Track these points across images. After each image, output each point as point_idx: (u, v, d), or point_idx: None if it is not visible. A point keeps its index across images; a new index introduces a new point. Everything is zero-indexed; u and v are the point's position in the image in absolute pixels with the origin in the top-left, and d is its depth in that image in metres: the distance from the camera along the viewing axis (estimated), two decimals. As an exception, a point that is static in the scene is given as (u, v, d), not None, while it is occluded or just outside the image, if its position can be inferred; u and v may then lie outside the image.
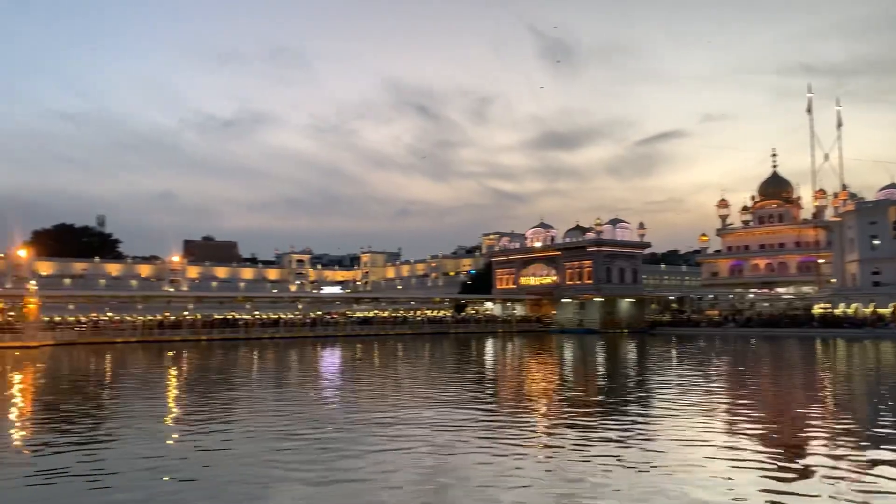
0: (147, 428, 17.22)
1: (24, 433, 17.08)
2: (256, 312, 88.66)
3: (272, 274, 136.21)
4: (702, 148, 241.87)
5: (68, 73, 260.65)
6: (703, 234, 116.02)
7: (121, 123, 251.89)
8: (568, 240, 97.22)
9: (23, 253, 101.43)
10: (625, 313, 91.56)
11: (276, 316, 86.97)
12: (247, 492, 10.81)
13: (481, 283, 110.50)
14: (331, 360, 43.55)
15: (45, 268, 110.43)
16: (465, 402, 21.44)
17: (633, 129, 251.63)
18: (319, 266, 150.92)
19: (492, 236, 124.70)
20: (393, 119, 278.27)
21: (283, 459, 12.87)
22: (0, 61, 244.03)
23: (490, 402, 22.12)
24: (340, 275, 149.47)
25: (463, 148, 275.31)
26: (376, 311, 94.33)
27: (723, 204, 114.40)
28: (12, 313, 68.45)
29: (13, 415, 20.50)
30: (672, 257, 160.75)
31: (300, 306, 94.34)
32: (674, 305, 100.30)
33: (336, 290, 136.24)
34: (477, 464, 12.47)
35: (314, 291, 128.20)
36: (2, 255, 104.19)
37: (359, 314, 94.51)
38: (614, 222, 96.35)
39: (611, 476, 11.51)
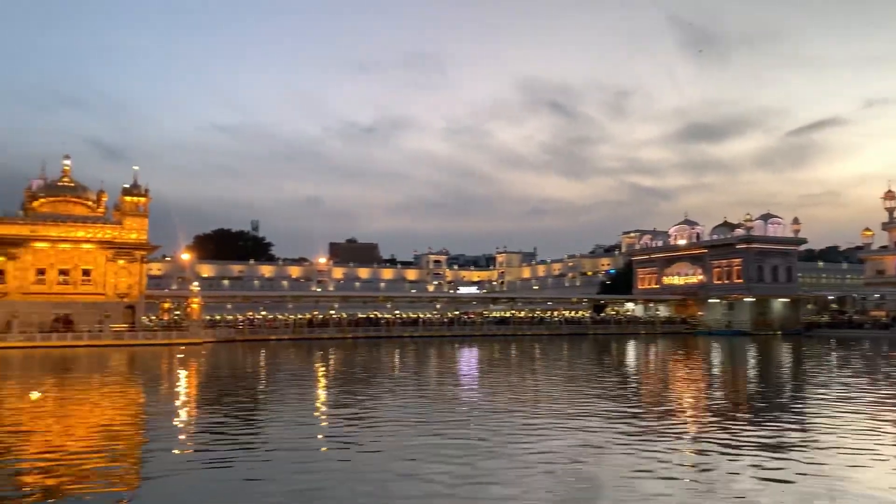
0: (298, 421, 18.36)
1: (190, 422, 18.73)
2: (397, 311, 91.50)
3: (411, 274, 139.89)
4: (863, 136, 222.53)
5: (225, 89, 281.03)
6: (867, 229, 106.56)
7: (272, 134, 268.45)
8: (715, 237, 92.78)
9: (186, 256, 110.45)
10: (778, 314, 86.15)
11: (415, 315, 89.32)
12: (390, 486, 11.31)
13: (621, 283, 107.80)
14: (469, 358, 44.24)
15: (206, 270, 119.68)
16: (606, 406, 21.13)
17: (784, 119, 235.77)
18: (456, 266, 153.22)
19: (632, 234, 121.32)
20: (526, 118, 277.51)
21: (424, 457, 13.31)
22: (167, 81, 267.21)
23: (633, 407, 21.66)
24: (476, 275, 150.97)
25: (600, 144, 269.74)
26: (513, 312, 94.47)
27: (890, 195, 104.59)
28: (178, 312, 74.87)
29: (181, 404, 22.53)
30: (831, 254, 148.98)
31: (438, 306, 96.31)
32: (833, 306, 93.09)
33: (472, 290, 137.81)
34: (619, 476, 12.32)
35: (451, 291, 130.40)
36: (168, 258, 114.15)
37: (495, 314, 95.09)
38: (766, 218, 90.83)
39: (764, 493, 11.01)
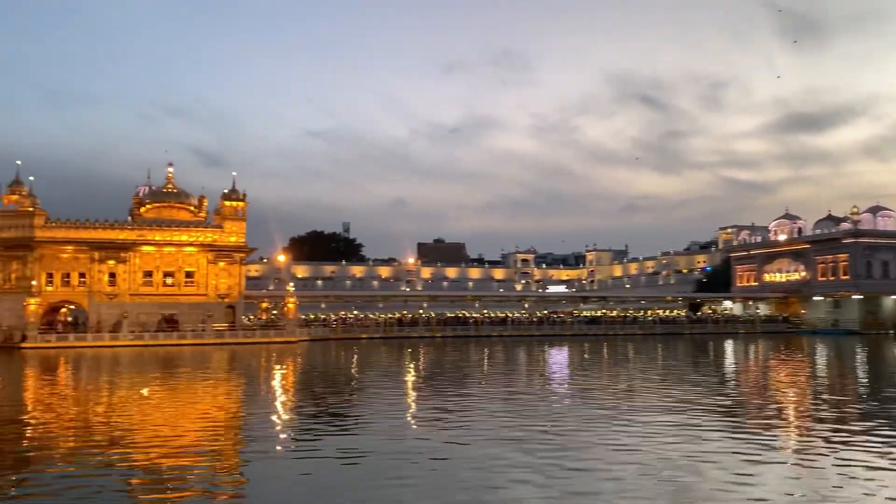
0: (391, 416, 18.64)
1: (288, 417, 19.33)
2: (485, 311, 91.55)
3: (498, 273, 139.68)
4: None
5: (318, 95, 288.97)
6: None
7: (361, 138, 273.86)
8: (818, 231, 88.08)
9: (282, 258, 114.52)
10: (891, 312, 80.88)
11: (504, 314, 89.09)
12: (481, 484, 11.30)
13: (718, 281, 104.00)
14: (559, 358, 43.76)
15: (301, 271, 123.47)
16: (703, 408, 20.42)
17: (893, 105, 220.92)
18: (544, 265, 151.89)
19: (729, 230, 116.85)
20: (616, 113, 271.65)
21: (514, 456, 13.25)
22: (263, 91, 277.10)
23: (732, 410, 20.84)
24: (565, 273, 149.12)
25: (694, 137, 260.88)
26: (604, 311, 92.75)
27: None
28: (275, 312, 77.54)
29: (280, 400, 23.31)
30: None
31: (526, 305, 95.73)
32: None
33: (561, 289, 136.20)
34: (716, 483, 11.87)
35: (539, 290, 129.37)
36: (265, 260, 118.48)
37: (585, 313, 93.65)
38: (875, 210, 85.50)
39: None
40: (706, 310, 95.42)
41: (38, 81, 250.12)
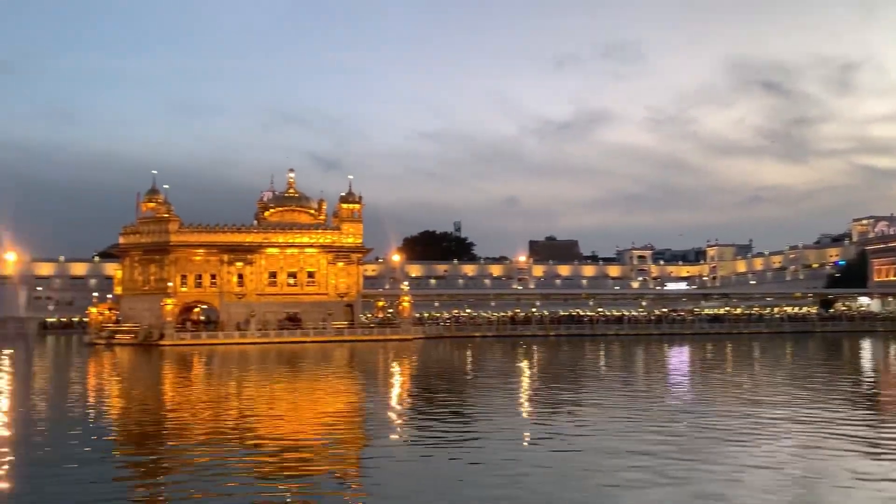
0: (507, 414, 18.64)
1: (406, 413, 19.74)
2: (600, 309, 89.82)
3: (613, 271, 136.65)
4: None
5: (429, 97, 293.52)
6: None
7: (471, 137, 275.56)
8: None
9: (396, 258, 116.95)
10: None
11: (620, 313, 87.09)
12: (600, 489, 11.08)
13: (852, 276, 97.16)
14: (679, 358, 42.28)
15: (414, 270, 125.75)
16: (839, 414, 19.12)
17: None
18: (661, 262, 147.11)
19: (864, 221, 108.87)
20: (736, 101, 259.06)
21: (631, 456, 12.91)
22: (377, 95, 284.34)
23: (872, 416, 19.40)
24: (685, 270, 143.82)
25: (823, 123, 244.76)
26: (727, 308, 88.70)
27: None
28: (391, 310, 79.39)
29: (398, 396, 23.84)
30: None
31: (644, 303, 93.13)
32: None
33: (681, 286, 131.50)
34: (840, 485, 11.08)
35: (657, 288, 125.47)
36: (381, 260, 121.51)
37: (707, 311, 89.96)
38: None
39: None
40: (839, 306, 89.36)
41: (167, 94, 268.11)
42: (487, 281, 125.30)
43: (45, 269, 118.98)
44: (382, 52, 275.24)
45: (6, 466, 13.22)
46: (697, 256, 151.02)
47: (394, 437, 16.05)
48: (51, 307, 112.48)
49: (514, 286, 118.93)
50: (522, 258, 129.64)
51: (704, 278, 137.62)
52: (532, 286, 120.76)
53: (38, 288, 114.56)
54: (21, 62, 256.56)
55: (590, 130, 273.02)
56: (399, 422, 18.32)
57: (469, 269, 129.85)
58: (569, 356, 43.55)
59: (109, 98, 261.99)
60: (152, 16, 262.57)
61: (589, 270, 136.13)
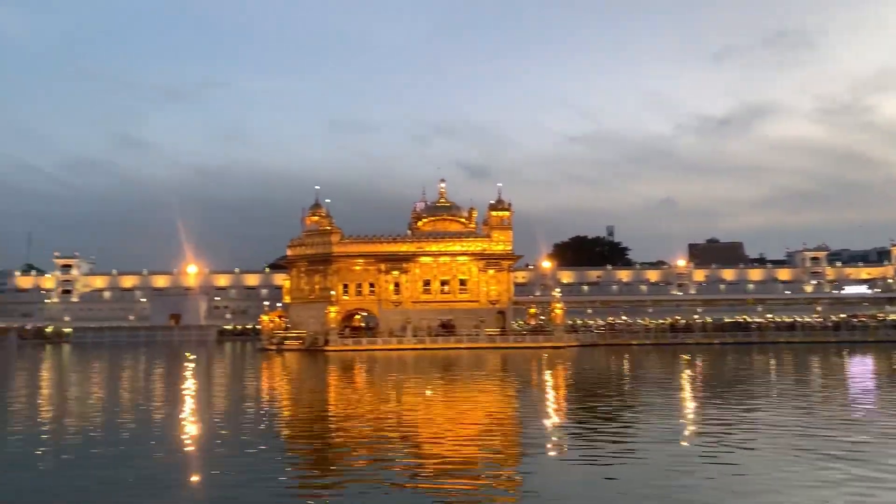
0: (666, 425, 17.92)
1: (562, 421, 19.52)
2: (769, 315, 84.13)
3: (783, 274, 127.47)
4: None
5: (577, 100, 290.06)
6: None
7: (623, 138, 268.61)
8: None
9: (547, 264, 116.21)
10: None
11: (791, 319, 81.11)
12: (768, 498, 10.39)
13: None
14: (861, 368, 38.68)
15: (566, 276, 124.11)
16: None
17: None
18: (838, 263, 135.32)
19: None
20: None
21: (806, 477, 11.98)
22: (524, 102, 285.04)
23: None
24: (866, 272, 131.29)
25: None
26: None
27: None
28: (542, 317, 78.96)
29: (553, 404, 23.64)
30: None
31: (818, 308, 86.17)
32: None
33: (861, 289, 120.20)
34: None
35: (834, 292, 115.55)
36: (531, 266, 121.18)
37: (893, 317, 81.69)
38: None
39: None
40: None
41: (328, 113, 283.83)
42: (643, 287, 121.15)
43: (223, 280, 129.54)
44: (528, 57, 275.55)
45: (201, 454, 14.57)
46: (880, 257, 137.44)
47: (550, 445, 15.94)
48: (228, 315, 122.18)
49: (673, 292, 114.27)
50: (681, 262, 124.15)
51: (889, 280, 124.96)
52: (693, 291, 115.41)
53: (217, 298, 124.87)
54: (196, 90, 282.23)
55: (752, 125, 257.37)
56: (555, 430, 18.17)
57: (624, 275, 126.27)
58: (735, 365, 41.17)
59: (275, 119, 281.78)
60: (312, 39, 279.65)
61: (756, 274, 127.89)
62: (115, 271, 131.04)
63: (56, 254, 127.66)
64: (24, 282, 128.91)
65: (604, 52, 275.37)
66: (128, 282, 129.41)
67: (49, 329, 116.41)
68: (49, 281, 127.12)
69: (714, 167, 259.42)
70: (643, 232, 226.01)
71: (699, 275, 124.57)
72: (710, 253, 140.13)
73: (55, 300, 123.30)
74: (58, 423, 20.12)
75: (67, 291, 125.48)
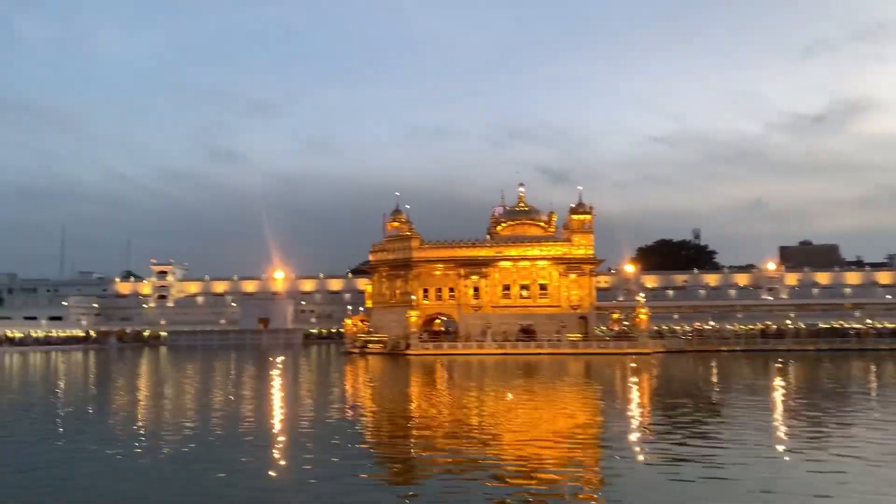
0: (758, 440, 17.26)
1: (646, 430, 19.07)
2: (868, 321, 79.73)
3: (884, 278, 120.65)
4: None
5: (658, 101, 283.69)
6: None
7: (708, 138, 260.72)
8: None
9: (630, 268, 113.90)
10: None
11: (894, 325, 76.60)
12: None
13: None
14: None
15: (650, 281, 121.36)
16: None
17: None
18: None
19: None
20: None
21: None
22: (603, 103, 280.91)
23: None
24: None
25: None
26: None
27: None
28: (626, 323, 77.36)
29: (637, 412, 23.15)
30: None
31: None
32: None
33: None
34: None
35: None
36: (613, 271, 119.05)
37: None
38: None
39: None
40: None
41: (407, 120, 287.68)
42: (732, 291, 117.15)
43: (308, 285, 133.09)
44: (608, 57, 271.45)
45: (291, 450, 15.07)
46: None
47: (635, 452, 15.64)
48: (313, 319, 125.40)
49: (764, 296, 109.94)
50: (772, 266, 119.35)
51: None
52: (784, 296, 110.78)
53: (302, 302, 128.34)
54: (281, 102, 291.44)
55: (847, 121, 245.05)
56: (640, 438, 17.80)
57: (711, 279, 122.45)
58: (832, 373, 39.25)
59: (357, 128, 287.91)
60: (391, 48, 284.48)
61: (853, 278, 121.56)
62: (207, 277, 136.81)
63: (153, 261, 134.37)
64: (124, 288, 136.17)
65: (686, 49, 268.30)
66: (219, 287, 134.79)
67: (147, 333, 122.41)
68: (146, 287, 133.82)
69: (807, 166, 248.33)
70: (731, 235, 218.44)
71: (791, 278, 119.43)
72: (802, 256, 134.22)
73: (152, 305, 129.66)
74: (162, 421, 21.20)
75: (163, 297, 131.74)
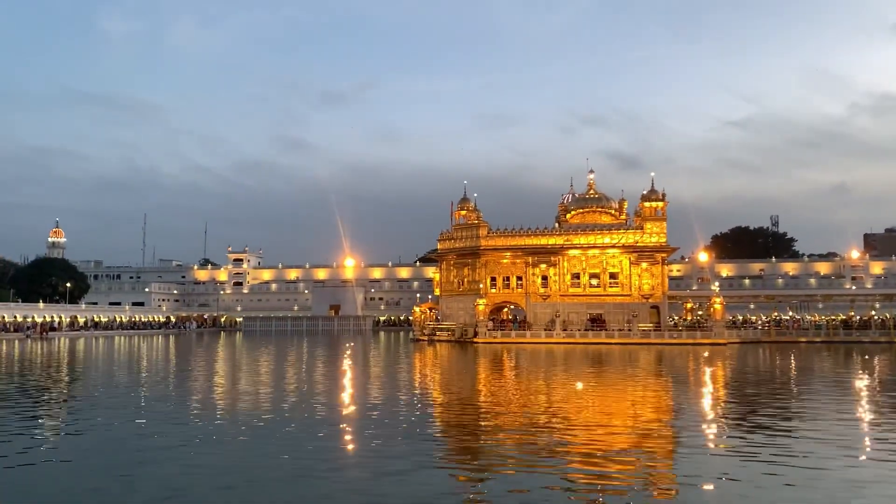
0: (837, 433, 16.53)
1: (721, 424, 18.50)
2: (964, 313, 75.31)
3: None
4: None
5: (735, 83, 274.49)
6: None
7: (788, 121, 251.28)
8: None
9: (704, 257, 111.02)
10: None
11: None
12: None
13: None
14: None
15: (725, 269, 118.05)
16: None
17: None
18: None
19: None
20: None
21: None
22: (676, 87, 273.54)
23: None
24: None
25: None
26: None
27: None
28: (700, 312, 75.39)
29: (712, 404, 22.50)
30: None
31: None
32: None
33: None
34: None
35: None
36: (687, 259, 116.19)
37: None
38: None
39: None
40: None
41: (475, 108, 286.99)
42: (812, 280, 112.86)
43: (377, 273, 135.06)
44: (681, 40, 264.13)
45: (359, 437, 15.31)
46: None
47: (709, 447, 15.20)
48: (382, 307, 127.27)
49: (847, 286, 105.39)
50: (856, 254, 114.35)
51: None
52: (869, 285, 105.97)
53: (372, 290, 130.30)
54: (352, 92, 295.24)
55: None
56: (713, 430, 17.30)
57: (790, 268, 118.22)
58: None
59: (426, 116, 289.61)
60: (459, 35, 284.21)
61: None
62: (280, 265, 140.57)
63: (229, 249, 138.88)
64: (201, 275, 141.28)
65: (764, 29, 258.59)
66: (292, 274, 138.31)
67: (223, 318, 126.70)
68: (223, 274, 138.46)
69: (894, 149, 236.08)
70: (812, 222, 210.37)
71: (876, 267, 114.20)
72: (889, 243, 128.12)
73: (228, 291, 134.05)
74: (243, 402, 21.89)
75: (239, 283, 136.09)
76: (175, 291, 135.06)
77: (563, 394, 24.71)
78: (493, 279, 71.67)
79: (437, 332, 71.46)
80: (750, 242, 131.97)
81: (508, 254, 71.31)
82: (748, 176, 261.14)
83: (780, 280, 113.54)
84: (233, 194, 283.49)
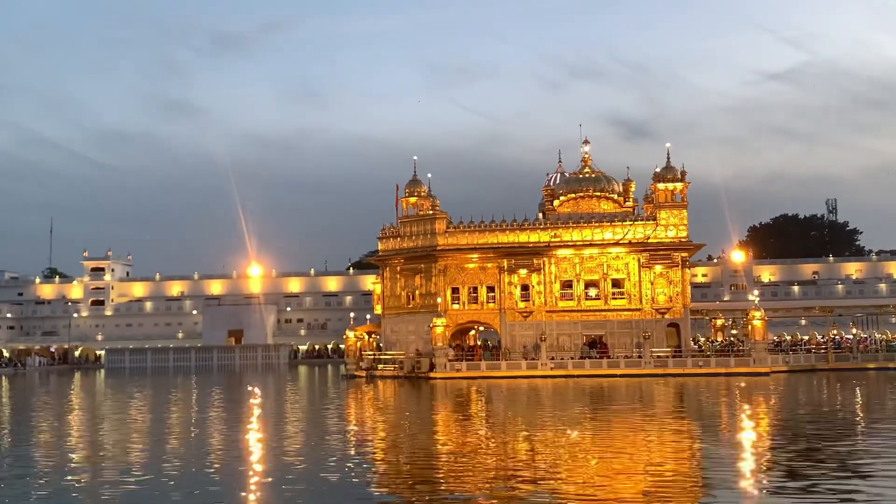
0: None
1: (760, 487, 18.78)
2: None
3: None
4: None
5: (780, 24, 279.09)
6: None
7: (847, 73, 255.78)
8: None
9: (738, 256, 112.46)
10: None
11: None
12: None
13: None
14: None
15: (767, 272, 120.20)
16: None
17: None
18: None
19: None
20: None
21: None
22: (699, 30, 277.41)
23: None
24: None
25: None
26: None
27: None
28: (734, 331, 76.50)
29: (748, 460, 22.80)
30: None
31: None
32: None
33: None
34: None
35: None
36: (716, 259, 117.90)
37: None
38: None
39: None
40: None
41: (422, 56, 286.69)
42: (883, 286, 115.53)
43: (294, 285, 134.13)
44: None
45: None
46: None
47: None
48: (302, 332, 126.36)
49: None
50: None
51: None
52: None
53: (287, 308, 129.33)
54: (253, 36, 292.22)
55: None
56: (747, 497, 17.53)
57: (853, 269, 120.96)
58: None
59: (357, 69, 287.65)
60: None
61: None
62: (158, 275, 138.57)
63: (85, 254, 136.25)
64: (46, 291, 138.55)
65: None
66: (174, 288, 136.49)
67: (78, 351, 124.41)
68: (76, 289, 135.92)
69: None
70: (880, 208, 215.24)
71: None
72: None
73: (84, 314, 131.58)
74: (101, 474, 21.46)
75: (99, 302, 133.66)
76: (9, 315, 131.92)
77: (552, 451, 24.75)
78: (456, 290, 71.65)
79: (380, 366, 71.18)
80: (800, 236, 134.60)
81: (476, 255, 71.37)
82: (796, 147, 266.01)
83: (839, 286, 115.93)
84: (89, 178, 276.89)
